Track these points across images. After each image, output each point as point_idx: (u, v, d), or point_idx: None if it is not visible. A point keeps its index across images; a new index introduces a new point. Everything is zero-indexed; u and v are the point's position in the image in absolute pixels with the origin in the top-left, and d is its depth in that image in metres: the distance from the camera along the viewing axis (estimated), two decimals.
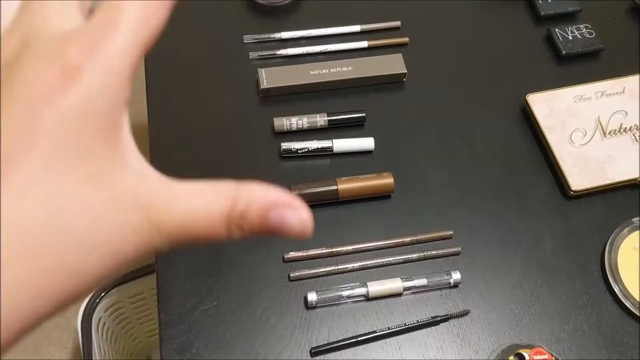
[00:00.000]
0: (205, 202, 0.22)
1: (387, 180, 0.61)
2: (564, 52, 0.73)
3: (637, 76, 0.70)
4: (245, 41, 0.72)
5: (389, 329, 0.55)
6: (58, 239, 0.19)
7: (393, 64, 0.70)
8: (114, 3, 0.21)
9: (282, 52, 0.71)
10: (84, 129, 0.20)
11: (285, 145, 0.63)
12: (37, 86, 0.19)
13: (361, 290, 0.56)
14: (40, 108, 0.19)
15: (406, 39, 0.74)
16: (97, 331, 0.89)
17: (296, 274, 0.57)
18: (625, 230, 0.61)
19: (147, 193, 0.21)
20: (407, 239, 0.60)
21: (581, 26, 0.75)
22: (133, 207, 0.21)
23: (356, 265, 0.58)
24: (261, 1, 0.75)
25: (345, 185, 0.60)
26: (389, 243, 0.60)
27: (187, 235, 0.22)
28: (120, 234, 0.20)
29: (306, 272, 0.57)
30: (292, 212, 0.22)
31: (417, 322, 0.56)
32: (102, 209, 0.20)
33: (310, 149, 0.64)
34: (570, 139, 0.66)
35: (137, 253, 0.21)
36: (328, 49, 0.72)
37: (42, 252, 0.19)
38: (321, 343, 0.54)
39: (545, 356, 0.52)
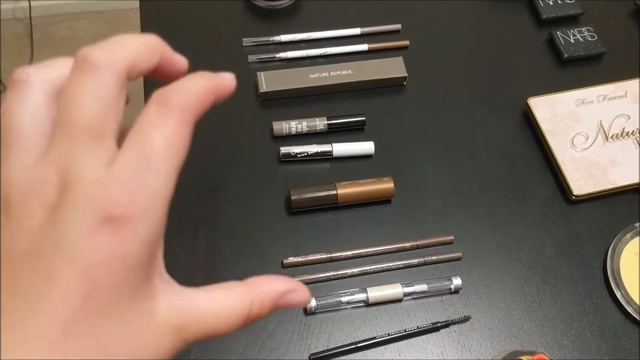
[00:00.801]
0: (226, 312, 0.25)
1: (387, 184, 0.61)
2: (565, 56, 0.73)
3: (639, 80, 0.69)
4: (244, 44, 0.71)
5: (389, 335, 0.55)
6: None
7: (394, 68, 0.69)
8: (143, 133, 0.22)
9: (282, 55, 0.70)
10: (135, 273, 0.21)
11: (284, 149, 0.63)
12: (87, 245, 0.20)
13: (361, 296, 0.56)
14: (94, 267, 0.20)
15: (407, 42, 0.73)
16: None
17: (295, 279, 0.56)
18: (628, 235, 0.61)
19: (178, 316, 0.23)
20: (408, 244, 0.59)
21: (583, 29, 0.74)
22: (170, 332, 0.23)
23: (356, 270, 0.58)
24: (260, 4, 0.75)
25: (345, 190, 0.60)
26: (389, 248, 0.59)
27: (209, 337, 0.25)
28: (161, 355, 0.23)
29: (305, 278, 0.57)
30: (296, 294, 0.27)
31: (418, 328, 0.55)
32: (148, 342, 0.22)
33: (309, 153, 0.63)
34: (572, 143, 0.65)
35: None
36: (328, 52, 0.71)
37: None
38: (320, 349, 0.54)
39: None
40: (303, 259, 0.58)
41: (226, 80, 0.26)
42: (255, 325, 0.54)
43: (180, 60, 0.27)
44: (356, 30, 0.73)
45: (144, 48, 0.24)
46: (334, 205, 0.60)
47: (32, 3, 1.80)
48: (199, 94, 0.24)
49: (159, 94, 0.23)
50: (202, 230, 0.59)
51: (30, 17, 1.81)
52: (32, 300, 0.20)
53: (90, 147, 0.21)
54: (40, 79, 0.23)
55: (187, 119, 0.23)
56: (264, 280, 0.26)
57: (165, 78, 0.27)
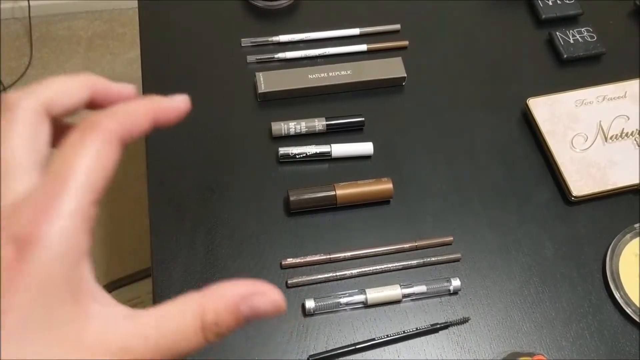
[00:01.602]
0: (175, 326, 0.23)
1: (386, 185, 0.61)
2: (565, 56, 0.72)
3: (639, 80, 0.69)
4: (242, 44, 0.71)
5: (387, 336, 0.55)
6: None
7: (393, 68, 0.69)
8: (65, 153, 0.22)
9: (280, 55, 0.70)
10: (48, 295, 0.21)
11: (283, 150, 0.63)
12: None
13: (360, 297, 0.56)
14: (4, 289, 0.20)
15: (406, 43, 0.73)
16: None
17: (294, 280, 0.56)
18: (627, 236, 0.60)
19: (117, 336, 0.22)
20: (407, 245, 0.59)
21: (582, 29, 0.74)
22: (105, 353, 0.22)
23: (355, 271, 0.57)
24: (259, 4, 0.74)
25: (344, 190, 0.60)
26: (388, 249, 0.59)
27: (168, 354, 0.23)
28: None
29: (304, 279, 0.57)
30: (261, 297, 0.24)
31: (416, 329, 0.55)
32: None
33: (308, 153, 0.63)
34: (572, 143, 0.65)
35: None
36: (327, 53, 0.71)
37: None
38: (319, 351, 0.54)
39: None
40: (302, 260, 0.57)
41: (172, 103, 0.26)
42: (253, 327, 0.54)
43: (122, 90, 0.27)
44: (355, 31, 0.73)
45: (67, 86, 0.25)
46: (332, 206, 0.60)
47: (31, 2, 1.79)
48: (128, 116, 0.24)
49: (85, 120, 0.23)
50: (201, 231, 0.59)
51: (29, 16, 1.81)
52: None
53: (7, 179, 0.22)
54: None
55: (109, 140, 0.23)
56: (221, 286, 0.24)
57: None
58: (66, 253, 0.21)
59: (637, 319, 0.57)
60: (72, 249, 0.21)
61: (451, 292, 0.57)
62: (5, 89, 1.70)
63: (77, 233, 0.21)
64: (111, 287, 0.90)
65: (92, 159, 0.22)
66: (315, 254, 0.58)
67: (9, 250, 0.20)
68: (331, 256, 0.58)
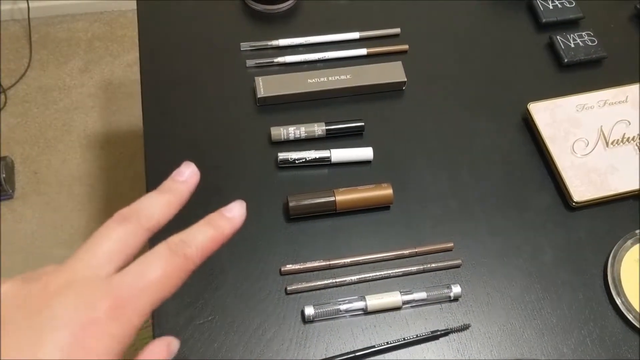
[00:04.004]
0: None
1: (386, 191, 0.60)
2: (565, 60, 0.72)
3: None
4: (242, 49, 0.71)
5: (387, 343, 0.54)
6: None
7: (393, 72, 0.69)
8: (145, 263, 0.28)
9: (280, 60, 0.70)
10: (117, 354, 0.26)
11: (282, 155, 0.62)
12: (87, 313, 0.25)
13: (359, 304, 0.55)
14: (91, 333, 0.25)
15: (406, 47, 0.73)
16: None
17: (293, 287, 0.56)
18: (628, 242, 0.60)
19: None
20: (407, 252, 0.59)
21: (583, 34, 0.74)
22: None
23: (354, 278, 0.57)
24: (258, 8, 0.74)
25: (344, 196, 0.59)
26: (388, 255, 0.59)
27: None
28: None
29: (303, 286, 0.56)
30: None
31: (417, 336, 0.55)
32: None
33: (307, 159, 0.62)
34: (572, 148, 0.65)
35: None
36: (326, 57, 0.71)
37: None
38: (318, 358, 0.53)
39: None
40: (301, 267, 0.57)
41: (233, 222, 0.33)
42: (252, 334, 0.54)
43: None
44: (355, 35, 0.73)
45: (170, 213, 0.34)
46: (332, 211, 0.60)
47: (31, 4, 1.79)
48: (205, 248, 0.31)
49: (175, 240, 0.30)
50: None
51: (28, 18, 1.81)
52: None
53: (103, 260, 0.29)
54: None
55: (189, 269, 0.29)
56: None
57: None
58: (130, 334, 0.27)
59: (639, 326, 0.57)
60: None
61: (451, 298, 0.57)
62: (4, 91, 1.70)
63: (135, 326, 0.27)
64: None
65: (166, 275, 0.28)
66: (315, 260, 0.58)
67: (106, 302, 0.26)
68: (331, 262, 0.58)
